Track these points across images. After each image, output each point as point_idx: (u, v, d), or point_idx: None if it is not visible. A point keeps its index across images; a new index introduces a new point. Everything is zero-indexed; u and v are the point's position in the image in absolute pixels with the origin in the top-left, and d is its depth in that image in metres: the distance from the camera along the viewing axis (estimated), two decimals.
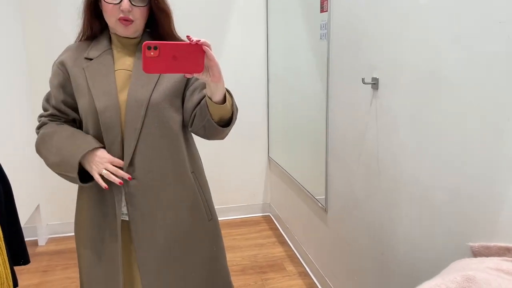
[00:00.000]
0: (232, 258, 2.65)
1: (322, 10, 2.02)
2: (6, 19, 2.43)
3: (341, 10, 1.82)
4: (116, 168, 1.20)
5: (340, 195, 1.95)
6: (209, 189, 1.41)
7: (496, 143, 1.02)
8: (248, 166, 3.30)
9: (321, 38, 2.05)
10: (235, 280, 2.39)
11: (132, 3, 1.15)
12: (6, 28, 2.43)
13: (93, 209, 1.30)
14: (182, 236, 1.30)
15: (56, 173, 1.28)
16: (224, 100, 1.14)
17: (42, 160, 1.30)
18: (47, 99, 1.31)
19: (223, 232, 3.01)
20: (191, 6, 2.92)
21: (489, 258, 1.00)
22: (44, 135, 1.27)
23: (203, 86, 1.24)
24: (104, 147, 1.22)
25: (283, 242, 2.87)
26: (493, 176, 1.04)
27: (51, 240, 2.93)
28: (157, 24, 1.24)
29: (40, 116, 1.33)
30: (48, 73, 1.31)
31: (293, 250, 2.74)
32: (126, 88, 1.21)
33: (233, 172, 3.27)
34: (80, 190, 1.36)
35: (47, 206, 2.92)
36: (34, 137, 1.28)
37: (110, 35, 1.27)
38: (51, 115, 1.30)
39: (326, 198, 2.12)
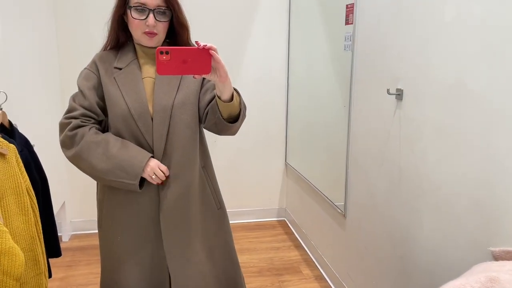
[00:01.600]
0: (249, 260, 2.72)
1: (347, 23, 2.10)
2: (40, 23, 2.55)
3: (366, 23, 1.89)
4: (162, 174, 1.36)
5: (360, 202, 2.02)
6: (217, 182, 1.57)
7: None
8: (265, 171, 3.37)
9: (345, 49, 2.13)
10: (252, 281, 2.46)
11: (157, 19, 1.31)
12: (40, 33, 2.54)
13: (129, 205, 1.43)
14: (197, 220, 1.47)
15: (101, 178, 1.39)
16: (231, 99, 1.27)
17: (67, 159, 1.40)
18: (74, 99, 1.41)
19: (239, 234, 3.09)
20: (215, 17, 3.02)
21: (510, 261, 1.07)
22: (90, 143, 1.35)
23: (214, 87, 1.35)
24: (153, 156, 1.37)
25: (298, 246, 2.93)
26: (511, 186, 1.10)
27: (74, 237, 3.03)
28: (176, 36, 1.40)
29: (69, 117, 1.39)
30: (75, 76, 1.43)
31: (308, 254, 2.80)
32: (152, 94, 1.37)
33: (250, 176, 3.35)
34: (109, 192, 1.47)
35: (72, 204, 3.02)
36: None
37: (134, 45, 1.41)
38: (82, 115, 1.38)
39: (345, 204, 2.18)
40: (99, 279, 2.45)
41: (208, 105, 1.38)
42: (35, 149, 1.77)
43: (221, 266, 1.56)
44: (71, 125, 1.37)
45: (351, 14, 2.04)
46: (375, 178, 1.86)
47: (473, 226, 1.27)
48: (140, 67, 1.39)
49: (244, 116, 1.38)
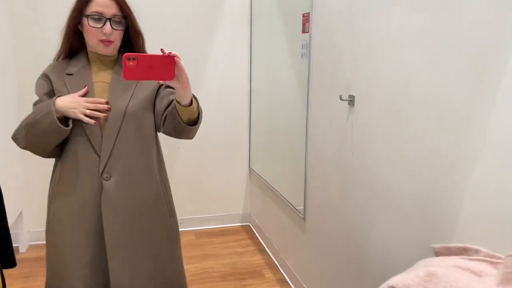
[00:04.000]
0: (212, 265, 2.73)
1: (303, 31, 2.16)
2: None
3: (321, 31, 1.96)
4: (96, 103, 1.35)
5: (318, 205, 2.07)
6: (170, 190, 1.59)
7: (456, 156, 1.16)
8: (229, 177, 3.39)
9: (302, 57, 2.19)
10: (215, 286, 2.47)
11: (113, 27, 1.37)
12: None
13: (74, 205, 1.43)
14: (144, 227, 1.47)
15: (35, 137, 1.37)
16: (191, 104, 1.34)
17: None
18: (34, 104, 1.44)
19: (203, 240, 3.09)
20: (178, 24, 3.04)
21: (449, 257, 1.13)
22: (25, 122, 1.39)
23: (170, 93, 1.44)
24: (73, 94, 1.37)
25: (262, 251, 2.96)
26: (452, 185, 1.18)
27: (32, 247, 2.94)
28: (132, 44, 1.46)
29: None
30: (32, 80, 1.46)
31: (272, 258, 2.83)
32: (105, 97, 1.40)
33: (215, 182, 3.36)
34: (56, 186, 1.49)
35: (29, 213, 2.94)
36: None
37: (87, 53, 1.45)
38: None
39: (304, 208, 2.24)
40: None
41: (165, 110, 1.42)
42: None
43: (166, 274, 1.55)
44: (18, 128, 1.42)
45: (307, 23, 2.10)
46: (331, 181, 1.92)
47: (417, 225, 1.34)
48: (91, 72, 1.43)
49: (201, 120, 1.43)
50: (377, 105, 1.53)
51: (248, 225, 3.45)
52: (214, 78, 3.19)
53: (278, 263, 2.73)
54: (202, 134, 3.24)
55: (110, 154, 1.39)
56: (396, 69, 1.41)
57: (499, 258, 1.02)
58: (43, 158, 1.54)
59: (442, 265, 1.06)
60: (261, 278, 2.58)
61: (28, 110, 1.43)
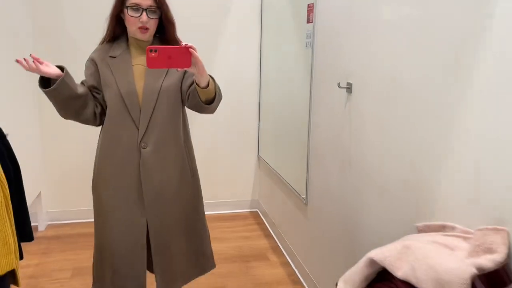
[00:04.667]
0: (219, 248, 2.84)
1: (308, 21, 2.23)
2: (15, 19, 2.63)
3: (323, 22, 2.03)
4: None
5: (318, 189, 2.15)
6: (193, 154, 1.84)
7: (436, 142, 1.22)
8: (239, 164, 3.49)
9: (306, 46, 2.26)
10: (221, 267, 2.58)
11: (149, 16, 1.58)
12: (15, 28, 2.62)
13: (118, 167, 1.69)
14: (172, 185, 1.73)
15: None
16: (208, 86, 1.53)
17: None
18: (82, 82, 1.71)
19: (213, 225, 3.20)
20: (190, 15, 3.13)
21: (428, 233, 1.20)
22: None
23: (193, 75, 1.61)
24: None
25: (268, 235, 3.06)
26: (432, 169, 1.24)
27: (50, 226, 3.11)
28: (165, 31, 1.67)
29: None
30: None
31: (277, 242, 2.93)
32: (141, 79, 1.65)
33: (225, 169, 3.47)
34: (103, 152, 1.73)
35: (48, 195, 3.10)
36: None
37: (127, 38, 1.68)
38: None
39: (306, 193, 2.32)
40: (72, 266, 2.56)
41: (189, 88, 1.66)
42: (9, 138, 1.86)
43: (190, 221, 1.81)
44: None
45: (311, 13, 2.17)
46: (330, 167, 1.99)
47: (404, 206, 1.41)
48: (131, 56, 1.66)
49: (220, 96, 1.65)
50: (371, 93, 1.59)
51: (256, 211, 3.55)
52: (225, 67, 3.28)
53: (282, 246, 2.83)
54: (213, 123, 3.35)
55: (147, 126, 1.64)
56: (388, 59, 1.47)
57: (471, 233, 1.08)
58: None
59: (419, 240, 1.13)
60: (265, 261, 2.68)
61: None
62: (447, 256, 1.00)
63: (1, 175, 1.60)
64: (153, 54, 1.38)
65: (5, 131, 1.83)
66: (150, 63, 1.39)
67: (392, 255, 1.10)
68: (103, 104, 1.70)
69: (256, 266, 2.61)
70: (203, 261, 1.89)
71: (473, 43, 1.08)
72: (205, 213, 1.88)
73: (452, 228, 1.17)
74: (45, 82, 1.57)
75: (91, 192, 1.80)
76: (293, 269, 2.57)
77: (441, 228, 1.21)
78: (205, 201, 1.91)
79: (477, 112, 1.07)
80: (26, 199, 1.94)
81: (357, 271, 1.18)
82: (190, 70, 1.46)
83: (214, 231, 3.10)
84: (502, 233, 0.99)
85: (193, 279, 1.87)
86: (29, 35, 2.82)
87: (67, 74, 1.54)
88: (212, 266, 1.94)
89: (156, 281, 1.75)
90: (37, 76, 1.59)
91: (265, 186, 3.34)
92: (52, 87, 1.52)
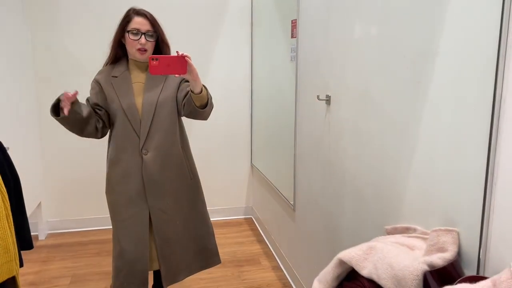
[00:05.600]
0: None
1: (292, 36, 2.35)
2: (15, 35, 2.75)
3: (305, 37, 2.15)
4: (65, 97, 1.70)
5: (304, 194, 2.26)
6: (192, 159, 2.05)
7: (402, 148, 1.33)
8: (233, 172, 3.60)
9: (291, 60, 2.38)
10: (214, 272, 2.68)
11: (147, 39, 1.83)
12: (14, 45, 2.75)
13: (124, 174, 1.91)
14: (172, 187, 1.95)
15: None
16: (201, 92, 1.75)
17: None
18: (87, 101, 1.93)
19: None
20: (182, 26, 3.26)
21: (393, 235, 1.31)
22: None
23: (187, 87, 1.87)
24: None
25: (261, 241, 3.16)
26: (398, 174, 1.35)
27: (50, 235, 3.21)
28: (161, 52, 1.91)
29: None
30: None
31: (269, 247, 3.03)
32: (140, 94, 1.89)
33: (219, 177, 3.58)
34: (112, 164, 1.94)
35: (48, 204, 3.21)
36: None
37: (127, 60, 1.91)
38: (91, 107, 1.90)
39: (294, 198, 2.42)
40: (71, 273, 2.67)
41: (184, 99, 1.86)
42: (9, 152, 1.98)
43: (191, 222, 2.02)
44: None
45: (295, 29, 2.29)
46: (313, 174, 2.10)
47: (375, 209, 1.51)
48: (130, 75, 1.90)
49: (212, 104, 1.85)
50: (346, 105, 1.70)
51: (251, 217, 3.65)
52: (218, 78, 3.41)
53: (274, 251, 2.93)
54: (207, 131, 3.47)
55: (147, 135, 1.86)
56: (359, 73, 1.58)
57: (428, 234, 1.19)
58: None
59: (383, 241, 1.24)
60: (257, 265, 2.78)
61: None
62: (404, 255, 1.11)
63: (2, 186, 1.71)
64: (154, 62, 1.63)
65: (5, 144, 1.95)
66: (152, 70, 1.63)
67: (358, 255, 1.21)
68: (104, 120, 1.91)
69: (248, 271, 2.71)
70: (207, 255, 2.08)
71: (430, 60, 1.20)
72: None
73: (414, 230, 1.27)
74: (56, 108, 1.77)
75: (105, 197, 2.01)
76: (284, 273, 2.67)
77: (406, 230, 1.31)
78: (207, 207, 2.12)
79: (429, 120, 1.18)
80: (26, 209, 2.05)
81: (329, 271, 1.28)
82: (186, 76, 1.68)
83: None
84: (453, 234, 1.10)
85: (197, 271, 2.07)
86: (28, 51, 2.95)
87: (77, 102, 1.75)
88: (217, 261, 2.11)
89: (160, 271, 1.94)
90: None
91: (258, 193, 3.45)
92: (63, 116, 1.73)
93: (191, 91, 1.76)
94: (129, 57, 1.90)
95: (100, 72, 1.95)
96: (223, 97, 3.44)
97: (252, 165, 3.59)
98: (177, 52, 1.65)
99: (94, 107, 1.90)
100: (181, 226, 1.99)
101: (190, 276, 2.46)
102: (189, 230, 2.02)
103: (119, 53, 1.92)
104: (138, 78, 1.90)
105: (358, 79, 1.60)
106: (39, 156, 3.06)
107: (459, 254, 1.09)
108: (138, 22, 1.81)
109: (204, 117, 1.87)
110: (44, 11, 3.01)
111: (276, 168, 2.84)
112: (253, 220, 3.59)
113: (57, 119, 1.77)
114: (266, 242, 3.13)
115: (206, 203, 3.53)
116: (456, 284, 0.94)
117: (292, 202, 2.46)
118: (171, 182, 1.93)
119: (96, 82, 1.92)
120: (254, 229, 3.39)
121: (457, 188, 1.09)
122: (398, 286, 1.05)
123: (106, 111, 1.92)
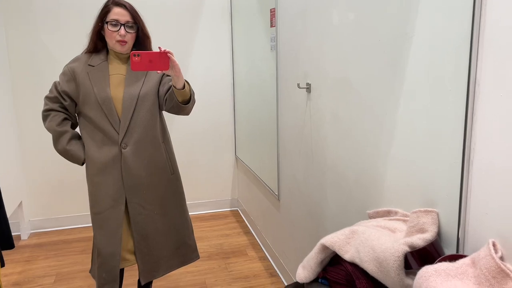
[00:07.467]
0: (200, 247, 2.93)
1: (271, 25, 2.33)
2: None
3: (284, 26, 2.14)
4: None
5: (288, 184, 2.26)
6: (173, 154, 2.01)
7: (381, 132, 1.34)
8: (218, 165, 3.59)
9: (271, 49, 2.37)
10: (201, 264, 2.67)
11: (126, 30, 1.76)
12: None
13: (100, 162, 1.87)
14: (152, 181, 1.91)
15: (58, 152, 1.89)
16: (184, 87, 1.74)
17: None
18: (55, 86, 1.85)
19: (194, 224, 3.30)
20: (162, 22, 3.22)
21: (375, 219, 1.32)
22: (56, 132, 1.84)
23: (169, 81, 1.85)
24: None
25: (247, 232, 3.16)
26: (378, 159, 1.36)
27: (33, 235, 3.16)
28: (142, 44, 1.84)
29: (47, 97, 1.87)
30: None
31: (255, 238, 3.03)
32: (120, 86, 1.82)
33: (204, 170, 3.57)
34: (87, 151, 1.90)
35: (29, 204, 3.15)
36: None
37: (107, 51, 1.85)
38: (55, 97, 1.84)
39: (278, 188, 2.43)
40: (55, 271, 2.63)
41: (166, 94, 1.84)
42: None
43: (171, 217, 1.98)
44: (45, 107, 1.86)
45: (274, 18, 2.28)
46: (296, 163, 2.11)
47: (357, 195, 1.52)
48: (109, 66, 1.83)
49: (194, 100, 1.86)
50: (326, 92, 1.70)
51: (237, 209, 3.65)
52: (199, 72, 3.38)
53: (261, 242, 2.93)
54: (190, 125, 3.44)
55: (127, 130, 1.81)
56: (337, 60, 1.58)
57: (409, 216, 1.20)
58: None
59: (365, 225, 1.25)
60: (244, 257, 2.78)
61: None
62: (385, 237, 1.12)
63: None
64: (136, 58, 1.59)
65: None
66: (134, 66, 1.60)
67: (340, 240, 1.21)
68: (71, 111, 1.88)
69: (235, 262, 2.71)
70: (185, 252, 2.03)
71: (405, 43, 1.20)
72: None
73: (395, 213, 1.28)
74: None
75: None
76: (270, 262, 2.67)
77: (387, 213, 1.33)
78: (186, 202, 2.04)
79: (406, 107, 1.19)
80: (6, 209, 2.01)
81: (313, 257, 1.28)
82: (168, 72, 1.66)
83: (195, 231, 3.19)
84: (432, 214, 1.11)
85: (175, 268, 2.01)
86: (3, 49, 2.87)
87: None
88: (196, 257, 2.07)
89: (138, 269, 1.90)
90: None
91: (243, 185, 3.45)
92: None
93: (173, 86, 1.73)
94: (109, 48, 1.83)
95: (75, 59, 1.86)
96: (204, 91, 3.41)
97: (236, 157, 3.58)
98: (159, 48, 1.62)
99: (62, 95, 1.83)
100: (160, 221, 1.94)
101: (176, 270, 2.45)
102: (169, 225, 1.98)
103: (99, 45, 1.84)
104: (117, 69, 1.83)
105: (337, 65, 1.60)
106: (18, 154, 3.00)
107: (438, 234, 1.11)
108: (117, 13, 1.74)
109: (186, 112, 1.85)
110: (19, 6, 2.93)
111: (260, 159, 2.84)
112: (239, 212, 3.59)
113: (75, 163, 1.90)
114: (252, 234, 3.13)
115: (192, 197, 3.56)
116: (436, 263, 0.95)
117: (276, 192, 2.46)
118: (151, 176, 1.89)
119: (70, 69, 1.83)
120: (240, 221, 3.39)
121: (435, 170, 1.10)
122: (380, 268, 1.06)
123: (73, 101, 1.85)
